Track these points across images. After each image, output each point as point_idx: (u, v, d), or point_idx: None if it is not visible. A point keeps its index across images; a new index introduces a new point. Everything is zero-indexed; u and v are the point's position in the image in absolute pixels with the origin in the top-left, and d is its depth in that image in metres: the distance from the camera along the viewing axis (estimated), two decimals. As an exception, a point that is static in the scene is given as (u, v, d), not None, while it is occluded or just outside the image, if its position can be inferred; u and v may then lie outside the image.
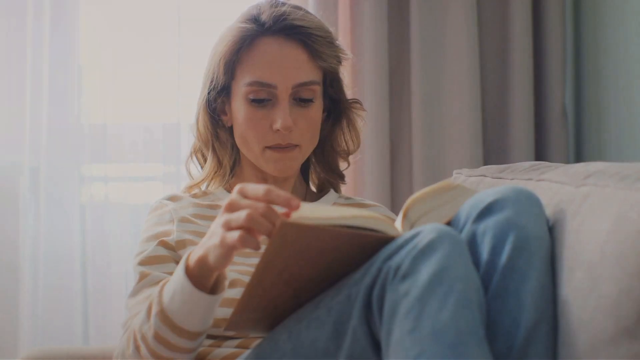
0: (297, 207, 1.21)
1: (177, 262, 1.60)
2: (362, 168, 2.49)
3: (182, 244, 1.62)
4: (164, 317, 1.39)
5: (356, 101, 1.76)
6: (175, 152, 2.50)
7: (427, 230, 1.21)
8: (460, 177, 1.75)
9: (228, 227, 1.25)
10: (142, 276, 1.59)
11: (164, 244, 1.62)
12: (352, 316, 1.23)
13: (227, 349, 1.56)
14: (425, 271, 1.17)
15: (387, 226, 1.27)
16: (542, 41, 2.59)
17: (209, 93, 1.69)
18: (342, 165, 1.81)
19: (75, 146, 2.50)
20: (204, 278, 1.35)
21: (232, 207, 1.26)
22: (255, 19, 1.65)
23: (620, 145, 2.45)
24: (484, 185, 1.62)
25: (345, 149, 1.77)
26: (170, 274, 1.58)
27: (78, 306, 2.52)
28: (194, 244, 1.61)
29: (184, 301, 1.37)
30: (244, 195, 1.26)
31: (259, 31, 1.64)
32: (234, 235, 1.23)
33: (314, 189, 1.84)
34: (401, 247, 1.22)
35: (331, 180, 1.79)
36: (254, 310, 1.36)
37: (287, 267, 1.27)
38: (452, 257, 1.19)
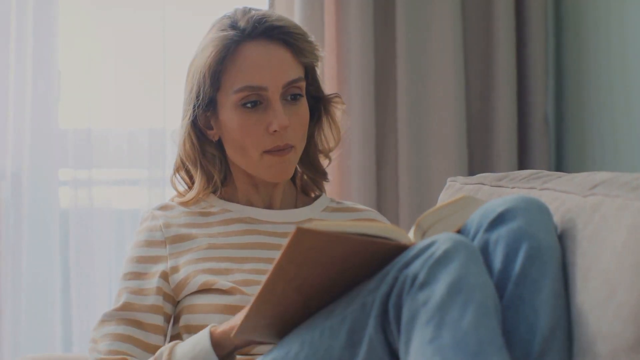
0: None
1: (166, 294, 1.62)
2: (348, 174, 2.51)
3: (175, 269, 1.63)
4: None
5: (336, 95, 1.77)
6: (161, 157, 2.49)
7: (442, 240, 1.23)
8: (455, 184, 1.76)
9: None
10: (126, 307, 1.61)
11: (161, 275, 1.63)
12: (368, 325, 1.24)
13: (227, 355, 1.57)
14: (443, 280, 1.18)
15: (400, 234, 1.28)
16: (525, 50, 2.63)
17: (195, 110, 1.66)
18: (324, 162, 1.81)
19: (59, 151, 2.48)
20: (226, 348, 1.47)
21: None
22: (233, 26, 1.65)
23: (600, 152, 2.49)
24: (482, 193, 1.63)
25: (327, 146, 1.77)
26: (153, 307, 1.60)
27: (58, 312, 2.50)
28: (188, 263, 1.62)
29: None
30: None
31: (241, 37, 1.64)
32: None
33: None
34: (417, 256, 1.23)
35: (316, 179, 1.79)
36: (264, 317, 1.36)
37: (300, 273, 1.28)
38: (468, 266, 1.20)
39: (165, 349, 1.51)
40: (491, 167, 2.58)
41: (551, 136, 2.67)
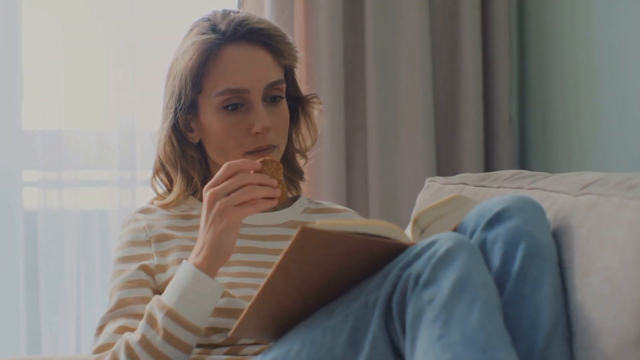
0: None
1: (153, 289, 1.60)
2: (318, 174, 2.52)
3: (161, 268, 1.62)
4: (174, 315, 1.47)
5: (314, 95, 1.78)
6: (131, 158, 2.48)
7: (444, 239, 1.25)
8: (435, 185, 1.77)
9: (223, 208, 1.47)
10: (120, 304, 1.59)
11: (144, 269, 1.62)
12: (371, 323, 1.26)
13: (217, 356, 1.56)
14: (448, 278, 1.21)
15: (399, 233, 1.30)
16: (490, 52, 2.67)
17: (176, 113, 1.66)
18: (300, 162, 1.82)
19: (23, 153, 2.46)
20: (212, 272, 1.50)
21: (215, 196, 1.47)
22: (213, 29, 1.65)
23: (564, 152, 2.54)
24: (465, 193, 1.64)
25: (304, 146, 1.78)
26: (145, 299, 1.58)
27: (23, 315, 2.48)
28: (174, 264, 1.61)
29: (199, 295, 1.48)
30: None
31: (222, 39, 1.64)
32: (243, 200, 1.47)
33: None
34: (419, 255, 1.25)
35: (293, 178, 1.80)
36: (262, 316, 1.37)
37: (302, 272, 1.29)
38: (471, 264, 1.22)
39: (150, 305, 1.51)
40: (458, 166, 2.61)
41: (516, 137, 2.71)
